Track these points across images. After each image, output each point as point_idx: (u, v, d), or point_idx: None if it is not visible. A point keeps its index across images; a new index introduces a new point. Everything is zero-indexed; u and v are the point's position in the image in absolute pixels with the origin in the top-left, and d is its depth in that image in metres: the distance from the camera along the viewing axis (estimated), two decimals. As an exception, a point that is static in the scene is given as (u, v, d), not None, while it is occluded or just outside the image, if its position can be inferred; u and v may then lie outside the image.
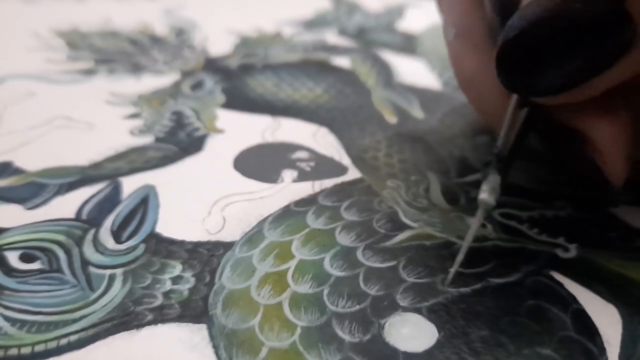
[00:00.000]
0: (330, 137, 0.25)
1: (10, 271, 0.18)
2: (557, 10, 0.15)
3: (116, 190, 0.22)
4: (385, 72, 0.30)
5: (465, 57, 0.21)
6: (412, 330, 0.16)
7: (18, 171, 0.22)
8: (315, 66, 0.31)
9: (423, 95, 0.28)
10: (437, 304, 0.17)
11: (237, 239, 0.19)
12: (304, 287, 0.18)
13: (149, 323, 0.17)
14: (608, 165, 0.17)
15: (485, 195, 0.17)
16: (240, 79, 0.30)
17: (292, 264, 0.18)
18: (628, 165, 0.17)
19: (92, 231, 0.20)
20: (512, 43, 0.16)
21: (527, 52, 0.16)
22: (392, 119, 0.26)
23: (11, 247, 0.19)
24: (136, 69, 0.30)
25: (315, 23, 0.36)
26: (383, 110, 0.27)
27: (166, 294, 0.17)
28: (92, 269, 0.18)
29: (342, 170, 0.23)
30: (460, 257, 0.18)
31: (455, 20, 0.21)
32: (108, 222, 0.20)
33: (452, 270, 0.18)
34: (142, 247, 0.19)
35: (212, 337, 0.16)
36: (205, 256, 0.19)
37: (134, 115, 0.26)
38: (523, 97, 0.17)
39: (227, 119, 0.26)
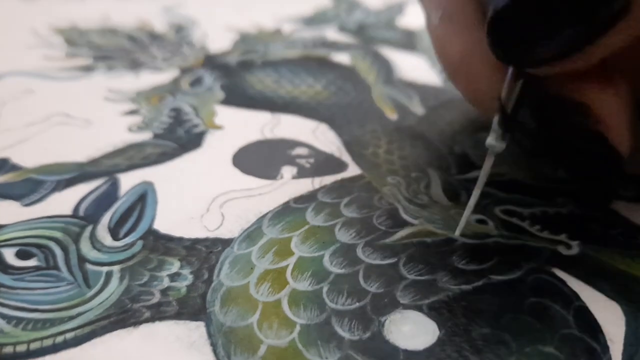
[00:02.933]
0: (330, 133, 0.25)
1: (6, 268, 0.18)
2: None
3: (114, 186, 0.21)
4: (385, 69, 0.30)
5: (452, 40, 0.20)
6: (412, 328, 0.16)
7: (15, 167, 0.22)
8: (315, 63, 0.31)
9: (423, 92, 0.28)
10: (438, 302, 0.17)
11: (236, 236, 0.19)
12: (304, 285, 0.17)
13: (147, 320, 0.16)
14: (614, 133, 0.17)
15: (492, 139, 0.17)
16: (239, 76, 0.29)
17: (292, 261, 0.18)
18: (632, 133, 0.17)
19: (90, 228, 0.19)
20: (503, 12, 0.15)
21: (519, 21, 0.15)
22: (392, 115, 0.26)
23: (7, 243, 0.19)
24: (135, 65, 0.30)
25: (315, 19, 0.36)
26: (383, 107, 0.27)
27: (164, 291, 0.17)
28: (89, 266, 0.18)
29: (342, 166, 0.23)
30: (472, 202, 0.18)
31: (440, 2, 0.20)
32: (105, 219, 0.20)
33: (464, 217, 0.18)
34: (139, 243, 0.19)
35: (210, 335, 0.16)
36: (203, 253, 0.19)
37: (132, 112, 0.26)
38: (519, 69, 0.17)
39: (226, 115, 0.26)
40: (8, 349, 0.16)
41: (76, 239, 0.19)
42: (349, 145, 0.24)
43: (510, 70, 0.17)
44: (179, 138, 0.24)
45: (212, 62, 0.31)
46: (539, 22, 0.15)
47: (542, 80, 0.17)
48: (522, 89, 0.17)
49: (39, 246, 0.19)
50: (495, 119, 0.17)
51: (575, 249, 0.19)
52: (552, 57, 0.16)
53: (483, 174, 0.18)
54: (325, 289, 0.17)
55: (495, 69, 0.18)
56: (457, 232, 0.18)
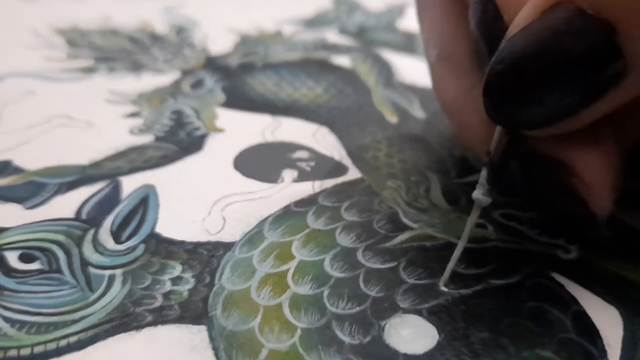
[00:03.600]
0: (330, 136, 0.25)
1: (9, 271, 0.18)
2: (546, 44, 0.15)
3: (116, 189, 0.21)
4: (385, 72, 0.30)
5: (447, 81, 0.20)
6: (412, 332, 0.16)
7: (17, 170, 0.22)
8: (315, 65, 0.31)
9: (424, 95, 0.28)
10: (438, 306, 0.17)
11: (237, 240, 0.19)
12: (304, 288, 0.17)
13: (149, 324, 0.17)
14: (594, 197, 0.17)
15: (479, 194, 0.17)
16: (240, 78, 0.29)
17: (292, 264, 0.18)
18: (613, 196, 0.17)
19: (92, 231, 0.20)
20: (499, 76, 0.15)
21: (514, 86, 0.15)
22: (392, 118, 0.26)
23: (10, 247, 0.19)
24: (136, 67, 0.30)
25: (315, 22, 0.36)
26: (383, 110, 0.27)
27: (166, 295, 0.17)
28: (91, 270, 0.18)
29: (343, 170, 0.23)
30: (456, 254, 0.18)
31: (437, 42, 0.20)
32: (108, 222, 0.20)
33: (448, 268, 0.18)
34: (141, 247, 0.19)
35: (211, 339, 0.16)
36: (205, 257, 0.19)
37: (133, 114, 0.26)
38: (511, 131, 0.17)
39: (227, 118, 0.26)
40: (12, 353, 0.16)
41: (79, 242, 0.19)
42: (349, 149, 0.24)
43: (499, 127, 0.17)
44: (180, 141, 0.24)
45: (212, 64, 0.31)
46: (535, 87, 0.15)
47: (530, 138, 0.17)
48: (510, 145, 0.17)
49: (41, 249, 0.19)
50: (483, 173, 0.17)
51: (573, 253, 0.19)
52: (545, 121, 0.16)
53: (468, 227, 0.18)
54: (325, 293, 0.17)
55: (485, 120, 0.17)
56: (442, 283, 0.18)
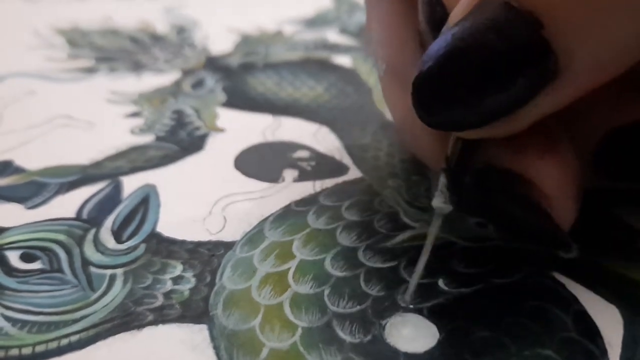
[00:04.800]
0: (331, 136, 0.25)
1: (10, 271, 0.18)
2: (471, 41, 0.14)
3: (117, 189, 0.22)
4: (386, 71, 0.30)
5: (395, 96, 0.19)
6: (413, 331, 0.16)
7: (18, 170, 0.22)
8: (316, 65, 0.31)
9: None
10: (438, 305, 0.17)
11: (238, 239, 0.19)
12: (305, 288, 0.18)
13: (150, 323, 0.17)
14: (556, 209, 0.16)
15: (439, 202, 0.17)
16: (241, 78, 0.29)
17: (293, 264, 0.18)
18: (577, 206, 0.16)
19: (93, 231, 0.20)
20: (426, 76, 0.15)
21: (441, 86, 0.15)
22: (393, 118, 0.26)
23: (12, 246, 0.19)
24: (137, 67, 0.30)
25: (316, 21, 0.36)
26: (384, 110, 0.27)
27: (167, 294, 0.17)
28: (92, 269, 0.18)
29: (343, 169, 0.23)
30: (419, 267, 0.17)
31: (385, 55, 0.20)
32: (109, 222, 0.20)
33: (412, 283, 0.17)
34: (142, 247, 0.19)
35: (212, 338, 0.16)
36: (205, 256, 0.19)
37: (134, 114, 0.26)
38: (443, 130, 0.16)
39: (227, 117, 0.26)
40: (13, 352, 0.16)
41: (80, 242, 0.19)
42: (349, 148, 0.24)
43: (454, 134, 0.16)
44: (181, 140, 0.24)
45: (213, 63, 0.31)
46: (462, 87, 0.14)
47: (483, 148, 0.16)
48: (465, 151, 0.16)
49: (43, 249, 0.19)
50: (442, 180, 0.17)
51: (574, 252, 0.19)
52: (480, 121, 0.15)
53: (431, 237, 0.17)
54: (326, 292, 0.17)
55: (437, 135, 0.17)
56: (407, 299, 0.17)
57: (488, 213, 0.19)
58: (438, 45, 0.14)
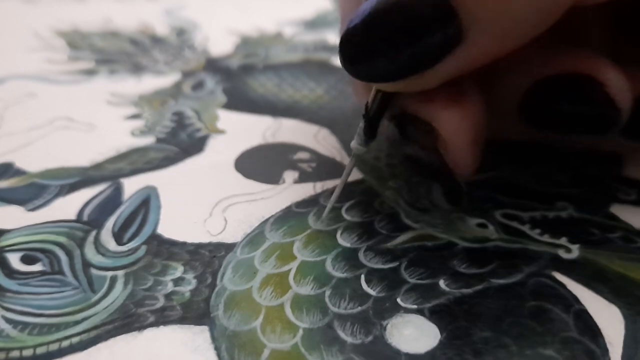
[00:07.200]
0: (331, 138, 0.25)
1: (11, 273, 0.18)
2: (390, 4, 0.16)
3: (117, 191, 0.22)
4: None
5: None
6: (414, 332, 0.16)
7: (19, 172, 0.22)
8: (316, 66, 0.31)
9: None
10: (439, 305, 0.17)
11: (239, 241, 0.19)
12: (306, 289, 0.18)
13: (151, 325, 0.17)
14: (452, 155, 0.19)
15: (355, 143, 0.19)
16: (241, 80, 0.29)
17: (294, 265, 0.18)
18: (474, 154, 0.19)
19: (94, 233, 0.20)
20: (349, 33, 0.17)
21: (363, 41, 0.17)
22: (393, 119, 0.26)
23: (12, 248, 0.19)
24: (137, 69, 0.30)
25: (316, 23, 0.36)
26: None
27: (168, 296, 0.17)
28: (93, 271, 0.18)
29: (344, 171, 0.23)
30: (336, 194, 0.20)
31: (340, 17, 0.22)
32: (109, 224, 0.20)
33: (329, 205, 0.20)
34: (143, 248, 0.19)
35: (213, 339, 0.16)
36: (206, 258, 0.19)
37: (135, 116, 0.26)
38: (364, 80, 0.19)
39: (228, 119, 0.26)
40: (14, 354, 0.16)
41: (80, 243, 0.19)
42: (350, 150, 0.24)
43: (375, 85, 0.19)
44: (182, 142, 0.24)
45: (213, 65, 0.31)
46: (379, 44, 0.17)
47: (401, 97, 0.19)
48: (382, 101, 0.19)
49: (43, 251, 0.19)
50: (361, 125, 0.19)
51: (575, 252, 0.19)
52: (392, 76, 0.17)
53: (346, 172, 0.20)
54: (327, 293, 0.17)
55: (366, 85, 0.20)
56: (323, 216, 0.20)
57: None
58: (364, 6, 0.17)
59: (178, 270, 0.18)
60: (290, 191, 0.22)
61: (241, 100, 0.28)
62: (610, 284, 0.18)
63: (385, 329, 0.16)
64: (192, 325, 0.17)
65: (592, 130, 0.19)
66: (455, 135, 0.18)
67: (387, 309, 0.17)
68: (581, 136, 0.20)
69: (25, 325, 0.16)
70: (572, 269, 0.18)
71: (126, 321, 0.17)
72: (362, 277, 0.18)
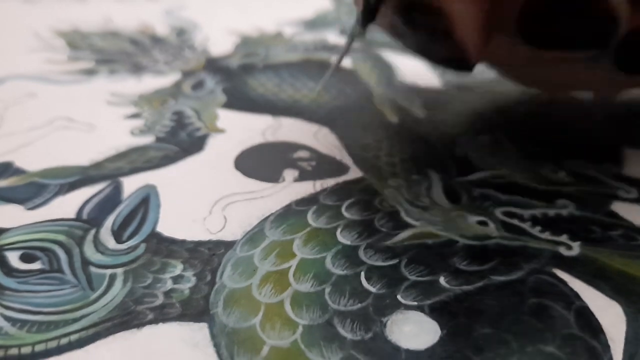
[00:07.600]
0: (331, 136, 0.25)
1: (10, 271, 0.18)
2: None
3: (117, 190, 0.21)
4: (386, 72, 0.30)
5: None
6: (414, 328, 0.16)
7: (19, 171, 0.22)
8: (316, 66, 0.31)
9: (424, 95, 0.28)
10: (440, 302, 0.17)
11: (238, 238, 0.19)
12: (306, 286, 0.17)
13: (150, 322, 0.16)
14: (462, 36, 0.19)
15: (354, 25, 0.20)
16: (241, 79, 0.29)
17: (294, 262, 0.18)
18: (483, 36, 0.19)
19: (93, 231, 0.20)
20: None
21: None
22: (393, 118, 0.26)
23: (12, 247, 0.19)
24: (137, 69, 0.30)
25: (316, 23, 0.36)
26: (384, 110, 0.27)
27: (167, 293, 0.17)
28: (92, 269, 0.18)
29: (344, 169, 0.23)
30: (341, 55, 0.21)
31: None
32: (109, 222, 0.20)
33: (326, 75, 0.22)
34: (142, 246, 0.19)
35: (213, 336, 0.16)
36: (206, 255, 0.19)
37: (134, 115, 0.26)
38: None
39: (228, 118, 0.26)
40: (13, 351, 0.16)
41: (80, 242, 0.19)
42: (350, 148, 0.24)
43: None
44: (181, 141, 0.24)
45: (213, 65, 0.31)
46: None
47: None
48: None
49: (43, 249, 0.19)
50: (359, 9, 0.20)
51: (576, 249, 0.19)
52: None
53: (346, 46, 0.21)
54: (327, 290, 0.17)
55: None
56: (319, 87, 0.22)
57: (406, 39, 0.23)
58: None
59: (177, 268, 0.18)
60: (290, 189, 0.22)
61: (241, 100, 0.28)
62: (611, 281, 0.18)
63: (385, 325, 0.16)
64: (191, 323, 0.16)
65: (587, 42, 0.20)
66: (466, 17, 0.19)
67: (387, 305, 0.17)
68: (575, 52, 0.20)
69: (24, 322, 0.16)
70: (573, 266, 0.18)
71: (125, 319, 0.17)
72: (362, 274, 0.18)
